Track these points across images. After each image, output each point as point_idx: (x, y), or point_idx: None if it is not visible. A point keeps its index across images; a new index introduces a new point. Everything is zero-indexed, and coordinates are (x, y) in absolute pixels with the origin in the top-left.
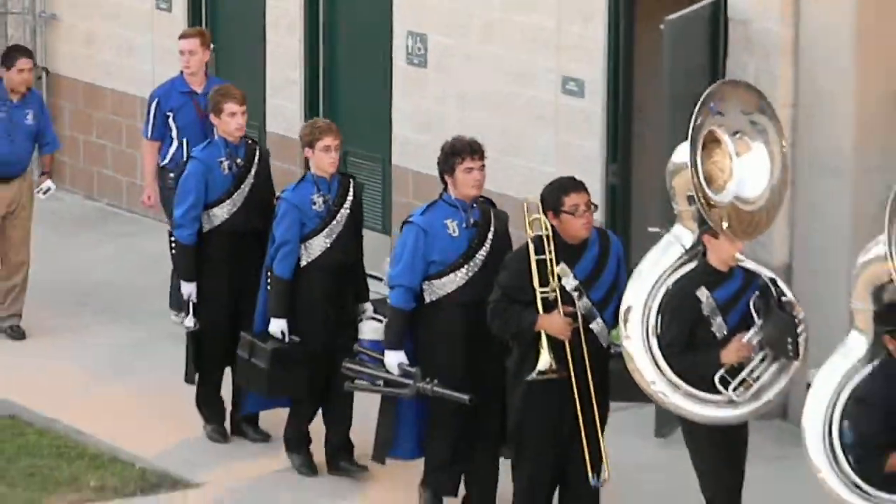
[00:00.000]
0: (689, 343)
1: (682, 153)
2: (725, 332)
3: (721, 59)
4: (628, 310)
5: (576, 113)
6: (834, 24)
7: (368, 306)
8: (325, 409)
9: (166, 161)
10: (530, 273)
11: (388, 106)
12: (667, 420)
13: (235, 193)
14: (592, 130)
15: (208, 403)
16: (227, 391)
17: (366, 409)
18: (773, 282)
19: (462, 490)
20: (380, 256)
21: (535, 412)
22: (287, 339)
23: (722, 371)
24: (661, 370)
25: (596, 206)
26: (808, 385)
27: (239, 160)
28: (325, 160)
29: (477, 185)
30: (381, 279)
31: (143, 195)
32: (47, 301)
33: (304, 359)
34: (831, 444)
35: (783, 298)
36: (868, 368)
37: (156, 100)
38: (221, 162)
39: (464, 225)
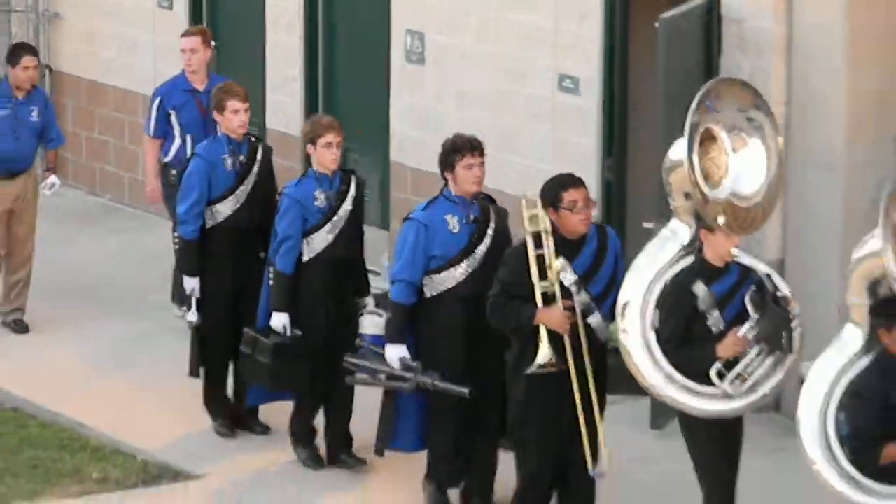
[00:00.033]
0: (685, 337)
1: (678, 149)
2: (722, 327)
3: (715, 57)
4: (626, 304)
5: (572, 110)
6: (826, 23)
7: (370, 300)
8: (326, 402)
9: (169, 158)
10: (529, 267)
11: (386, 103)
12: (662, 412)
13: (238, 190)
14: (588, 127)
15: (214, 399)
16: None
17: (365, 403)
18: (769, 277)
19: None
20: (378, 251)
21: (536, 405)
22: (289, 333)
23: (718, 365)
24: (658, 364)
25: (595, 202)
26: (802, 379)
27: (242, 157)
28: (327, 156)
29: (477, 181)
30: (378, 274)
31: (147, 189)
32: (50, 295)
33: (305, 352)
34: (827, 436)
35: (778, 293)
36: (863, 362)
37: (158, 98)
38: (224, 159)
39: (464, 221)
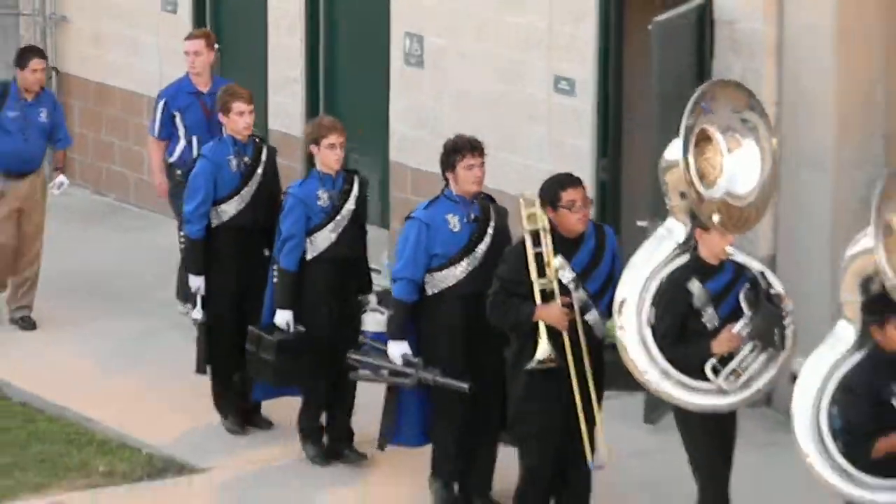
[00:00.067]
0: (681, 333)
1: (674, 150)
2: (716, 323)
3: (708, 58)
4: (623, 301)
5: (567, 111)
6: (816, 25)
7: (372, 298)
8: (329, 397)
9: (174, 159)
10: (528, 265)
11: (386, 104)
12: (655, 407)
13: (243, 190)
14: (583, 128)
15: (223, 397)
16: None
17: (365, 399)
18: (763, 274)
19: None
20: (378, 250)
21: (535, 400)
22: (292, 330)
23: (713, 361)
24: (653, 360)
25: (592, 202)
26: (793, 374)
27: (247, 158)
28: (330, 157)
29: (477, 181)
30: (378, 272)
31: (156, 184)
32: (57, 293)
33: (309, 349)
34: (820, 430)
35: (772, 291)
36: (856, 358)
37: (163, 100)
38: (230, 160)
39: (465, 220)
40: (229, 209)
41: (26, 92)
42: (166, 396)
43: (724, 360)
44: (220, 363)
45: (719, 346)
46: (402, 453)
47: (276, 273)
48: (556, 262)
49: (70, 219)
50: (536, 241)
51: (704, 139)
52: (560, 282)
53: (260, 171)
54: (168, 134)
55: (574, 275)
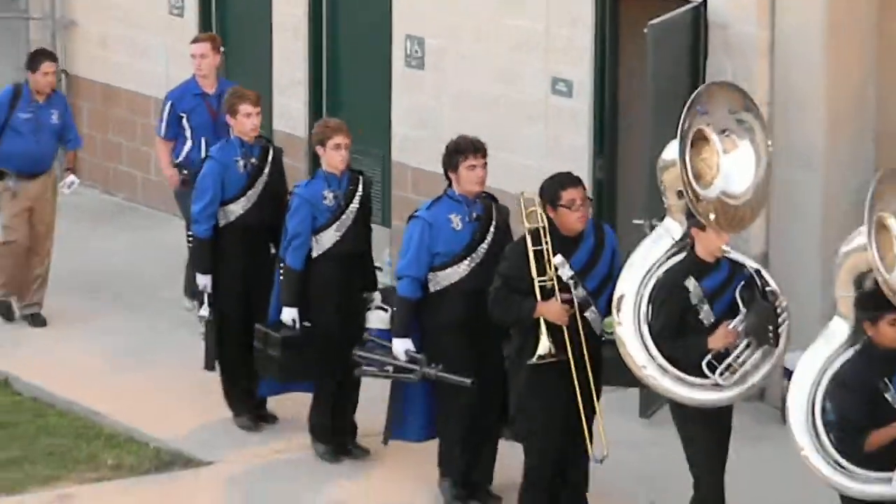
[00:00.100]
0: (678, 330)
1: (672, 150)
2: (712, 320)
3: (701, 60)
4: (621, 298)
5: (565, 111)
6: (807, 28)
7: (377, 295)
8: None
9: (180, 159)
10: (529, 263)
11: (387, 105)
12: (651, 401)
13: (250, 191)
14: (580, 128)
15: (234, 395)
16: None
17: (366, 395)
18: (758, 272)
19: None
20: (379, 248)
21: (537, 395)
22: (298, 327)
23: (709, 356)
24: (651, 355)
25: (592, 201)
26: (785, 369)
27: (253, 159)
28: (335, 157)
29: (479, 181)
30: (380, 269)
31: (167, 176)
32: (67, 290)
33: (315, 344)
34: (814, 424)
35: (767, 288)
36: (850, 353)
37: (170, 102)
38: (237, 161)
39: (467, 219)
40: (236, 209)
41: (38, 94)
42: (174, 392)
43: (720, 356)
44: (230, 360)
45: (715, 342)
46: (404, 448)
47: (282, 271)
48: (556, 260)
49: (79, 218)
50: (536, 240)
51: (701, 139)
52: (560, 279)
53: (266, 171)
54: (174, 134)
55: (573, 272)
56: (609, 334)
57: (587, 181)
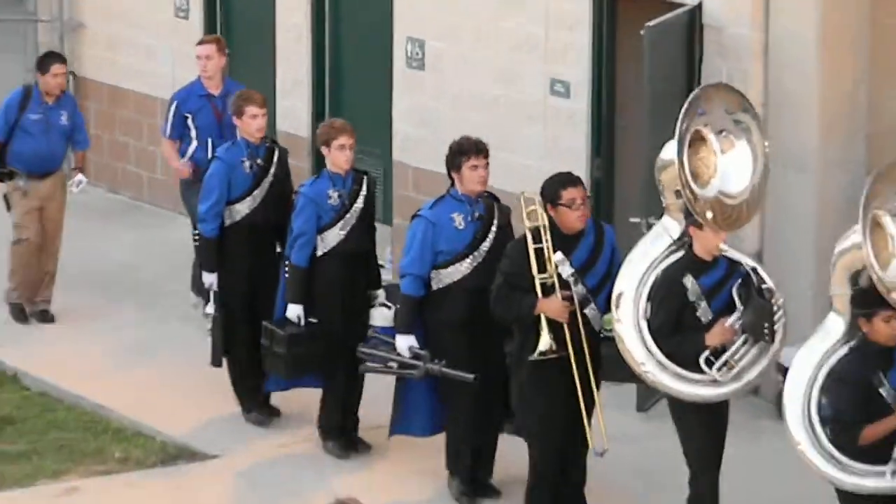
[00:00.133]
0: (676, 326)
1: (670, 150)
2: (710, 317)
3: (697, 62)
4: (620, 295)
5: (563, 112)
6: (800, 30)
7: (381, 293)
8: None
9: (186, 159)
10: (529, 261)
11: (389, 106)
12: (647, 396)
13: (256, 191)
14: (578, 128)
15: (243, 391)
16: None
17: (371, 391)
18: (755, 270)
19: None
20: (381, 245)
21: (539, 390)
22: (303, 324)
23: (707, 353)
24: (650, 352)
25: (592, 200)
26: (779, 365)
27: (259, 160)
28: (340, 158)
29: (481, 181)
30: (382, 266)
31: (181, 173)
32: (75, 287)
33: (320, 339)
34: (810, 418)
35: (763, 286)
36: (845, 349)
37: (175, 102)
38: (243, 161)
39: (469, 218)
40: (242, 209)
41: (47, 95)
42: (180, 387)
43: (718, 352)
44: (237, 358)
45: (712, 338)
46: (409, 442)
47: (287, 269)
48: (556, 257)
49: (87, 216)
50: (537, 238)
51: (699, 140)
52: (560, 276)
53: (272, 172)
54: (179, 134)
55: (573, 270)
56: (608, 331)
57: (585, 180)
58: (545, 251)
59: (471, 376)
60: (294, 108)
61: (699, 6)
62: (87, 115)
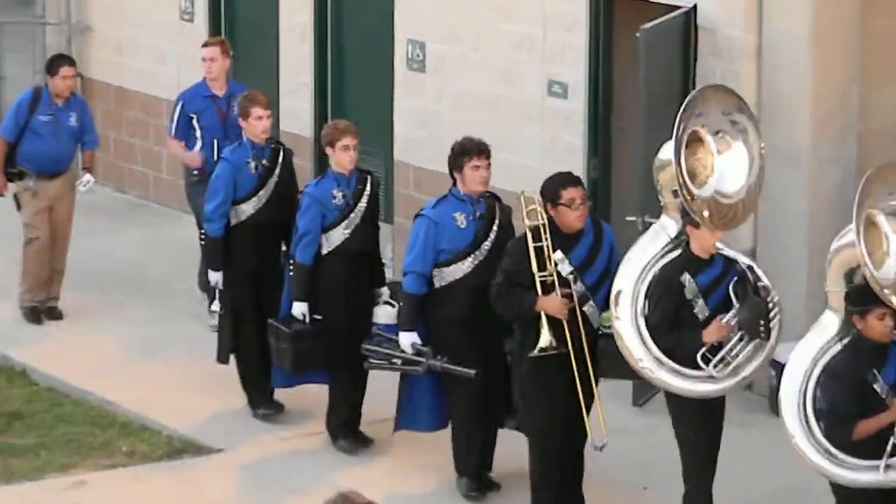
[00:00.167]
0: (674, 324)
1: (668, 150)
2: (707, 314)
3: (692, 63)
4: (618, 293)
5: (560, 113)
6: (793, 32)
7: (385, 291)
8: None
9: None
10: (530, 259)
11: (390, 106)
12: (644, 390)
13: (261, 191)
14: (575, 128)
15: (251, 387)
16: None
17: (374, 386)
18: (751, 268)
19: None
20: (382, 243)
21: (539, 386)
22: (308, 321)
23: (703, 349)
24: (648, 348)
25: (591, 199)
26: (773, 361)
27: (264, 161)
28: (344, 158)
29: (483, 181)
30: (384, 264)
31: (192, 162)
32: (82, 284)
33: (325, 336)
34: (805, 413)
35: (759, 284)
36: (840, 345)
37: (180, 103)
38: (249, 162)
39: (471, 217)
40: (248, 209)
41: (57, 97)
42: (185, 382)
43: (714, 349)
44: (244, 356)
45: (709, 335)
46: (414, 437)
47: (292, 267)
48: (556, 256)
49: (94, 215)
50: (537, 236)
51: (696, 140)
52: (559, 274)
53: (277, 172)
54: (184, 134)
55: (573, 268)
56: (607, 328)
57: (582, 179)
58: (545, 250)
59: (472, 372)
60: (297, 109)
61: (694, 8)
62: (94, 116)
